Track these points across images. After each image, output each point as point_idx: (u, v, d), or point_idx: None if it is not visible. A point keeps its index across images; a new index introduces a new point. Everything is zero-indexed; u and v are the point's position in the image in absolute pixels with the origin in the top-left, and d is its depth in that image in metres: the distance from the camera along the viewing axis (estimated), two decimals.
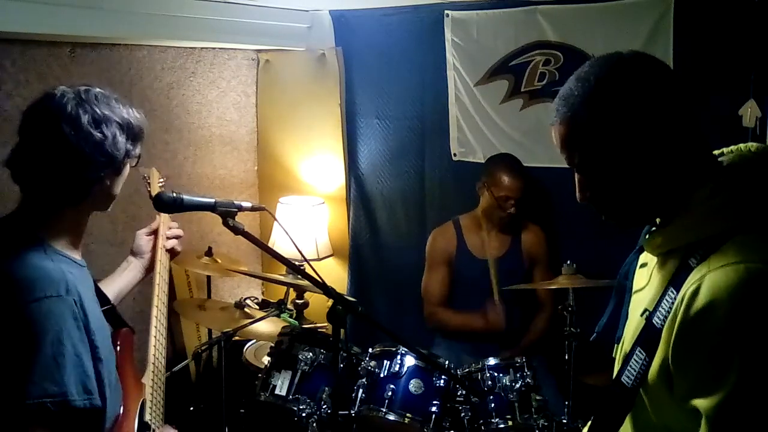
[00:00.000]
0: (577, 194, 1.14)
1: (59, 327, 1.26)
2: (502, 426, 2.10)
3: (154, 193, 1.97)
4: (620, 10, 2.47)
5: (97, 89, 1.41)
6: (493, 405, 2.14)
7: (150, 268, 1.83)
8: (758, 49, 2.22)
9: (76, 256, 1.43)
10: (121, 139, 1.38)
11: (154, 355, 1.69)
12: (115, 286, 1.75)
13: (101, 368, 1.37)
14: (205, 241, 3.18)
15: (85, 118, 1.33)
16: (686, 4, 2.35)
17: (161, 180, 2.10)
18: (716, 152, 1.12)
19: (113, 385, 1.45)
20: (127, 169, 1.47)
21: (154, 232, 1.87)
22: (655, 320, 1.03)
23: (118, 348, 1.57)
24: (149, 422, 1.55)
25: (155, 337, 1.72)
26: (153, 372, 1.66)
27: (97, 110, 1.35)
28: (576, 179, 1.13)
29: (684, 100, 1.04)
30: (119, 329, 1.62)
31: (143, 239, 1.85)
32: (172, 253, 1.89)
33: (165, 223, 1.89)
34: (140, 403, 1.57)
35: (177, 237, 1.89)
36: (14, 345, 1.24)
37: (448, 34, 2.88)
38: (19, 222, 1.38)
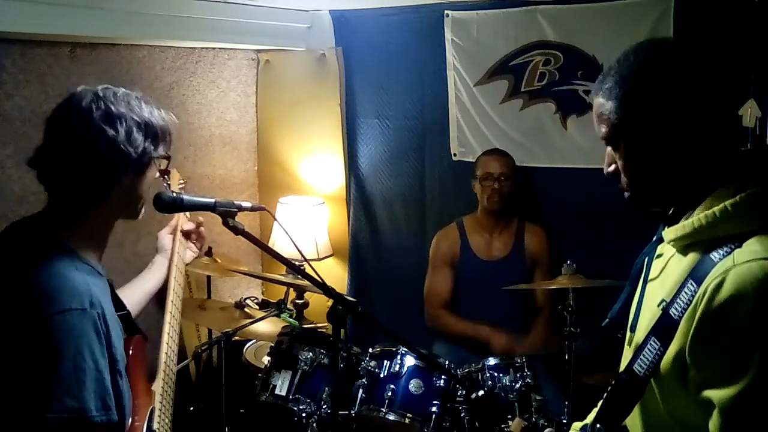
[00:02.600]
0: (604, 168, 1.18)
1: (81, 341, 1.24)
2: (502, 426, 2.10)
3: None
4: (620, 10, 2.47)
5: (121, 89, 1.40)
6: None
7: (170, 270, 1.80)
8: (758, 49, 2.22)
9: (98, 264, 1.41)
10: (138, 137, 1.35)
11: (166, 363, 1.65)
12: (143, 286, 1.73)
13: (121, 382, 1.35)
14: (205, 241, 3.18)
15: (97, 114, 1.32)
16: (686, 4, 2.35)
17: (182, 181, 2.06)
18: (751, 149, 1.13)
19: (127, 397, 1.43)
20: (152, 171, 1.44)
21: (174, 231, 1.84)
22: (672, 311, 1.04)
23: (130, 354, 1.53)
24: (157, 430, 1.53)
25: (167, 343, 1.67)
26: (163, 379, 1.62)
27: (112, 107, 1.34)
28: (606, 153, 1.17)
29: (717, 94, 1.05)
30: (131, 336, 1.58)
31: (166, 237, 1.84)
32: (194, 236, 1.87)
33: (181, 224, 1.86)
34: (149, 411, 1.54)
35: (198, 225, 1.88)
36: (35, 356, 1.22)
37: (448, 34, 2.88)
38: (44, 224, 1.36)
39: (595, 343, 2.25)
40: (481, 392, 2.14)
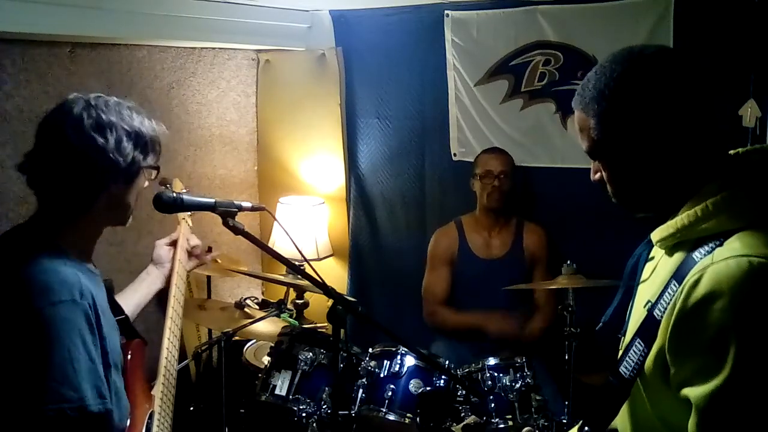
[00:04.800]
0: (591, 174, 1.18)
1: (73, 331, 1.26)
2: (502, 426, 2.10)
3: None
4: (620, 10, 2.47)
5: (113, 98, 1.41)
6: (493, 405, 2.14)
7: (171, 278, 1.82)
8: (758, 49, 2.22)
9: (90, 264, 1.44)
10: (127, 146, 1.37)
11: (166, 367, 1.67)
12: (135, 296, 1.74)
13: (110, 374, 1.36)
14: (205, 241, 3.16)
15: (87, 123, 1.33)
16: (686, 4, 2.35)
17: (184, 190, 2.06)
18: (735, 151, 1.13)
19: (121, 394, 1.44)
20: (141, 180, 1.45)
21: (174, 243, 1.85)
22: (656, 312, 1.04)
23: (129, 358, 1.55)
24: None
25: (167, 348, 1.69)
26: (163, 384, 1.64)
27: (103, 116, 1.35)
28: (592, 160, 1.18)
29: (702, 97, 1.05)
30: (131, 340, 1.60)
31: (163, 249, 1.84)
32: (197, 257, 1.89)
33: (184, 234, 1.88)
34: (148, 415, 1.55)
35: (195, 246, 1.89)
36: (29, 349, 1.23)
37: (448, 34, 2.88)
38: (35, 227, 1.39)
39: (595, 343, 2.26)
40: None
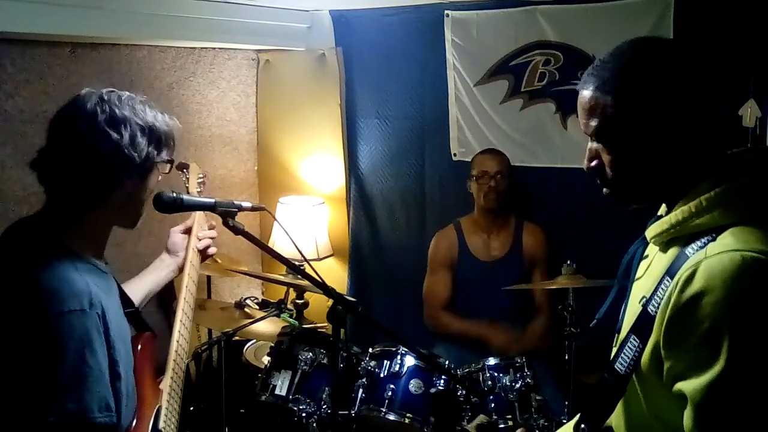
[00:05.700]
0: (585, 162, 1.17)
1: (82, 343, 1.24)
2: (502, 426, 2.10)
3: (191, 189, 1.93)
4: (620, 10, 2.48)
5: (126, 93, 1.39)
6: (493, 405, 2.14)
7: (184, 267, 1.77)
8: (758, 49, 2.22)
9: (100, 262, 1.41)
10: (142, 141, 1.35)
11: (175, 360, 1.62)
12: (145, 283, 1.71)
13: (119, 384, 1.35)
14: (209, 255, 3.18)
15: (101, 118, 1.32)
16: (686, 4, 2.35)
17: (201, 174, 2.01)
18: (730, 151, 1.14)
19: (130, 396, 1.42)
20: (155, 176, 1.43)
21: (189, 230, 1.81)
22: (650, 308, 1.05)
23: (138, 351, 1.52)
24: (163, 430, 1.52)
25: (177, 341, 1.64)
26: (172, 378, 1.60)
27: (116, 111, 1.33)
28: (587, 147, 1.16)
29: (708, 93, 1.07)
30: (140, 332, 1.57)
31: (178, 237, 1.79)
32: (204, 254, 1.82)
33: (199, 222, 1.83)
34: (155, 410, 1.53)
35: (211, 238, 1.83)
36: (36, 359, 1.22)
37: (448, 34, 2.88)
38: (42, 225, 1.36)
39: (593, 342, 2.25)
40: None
